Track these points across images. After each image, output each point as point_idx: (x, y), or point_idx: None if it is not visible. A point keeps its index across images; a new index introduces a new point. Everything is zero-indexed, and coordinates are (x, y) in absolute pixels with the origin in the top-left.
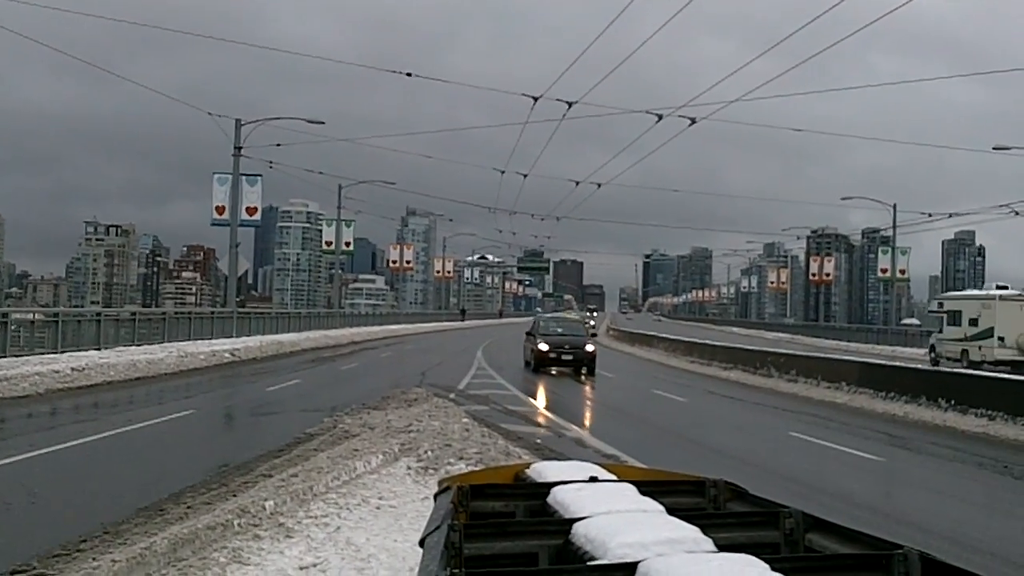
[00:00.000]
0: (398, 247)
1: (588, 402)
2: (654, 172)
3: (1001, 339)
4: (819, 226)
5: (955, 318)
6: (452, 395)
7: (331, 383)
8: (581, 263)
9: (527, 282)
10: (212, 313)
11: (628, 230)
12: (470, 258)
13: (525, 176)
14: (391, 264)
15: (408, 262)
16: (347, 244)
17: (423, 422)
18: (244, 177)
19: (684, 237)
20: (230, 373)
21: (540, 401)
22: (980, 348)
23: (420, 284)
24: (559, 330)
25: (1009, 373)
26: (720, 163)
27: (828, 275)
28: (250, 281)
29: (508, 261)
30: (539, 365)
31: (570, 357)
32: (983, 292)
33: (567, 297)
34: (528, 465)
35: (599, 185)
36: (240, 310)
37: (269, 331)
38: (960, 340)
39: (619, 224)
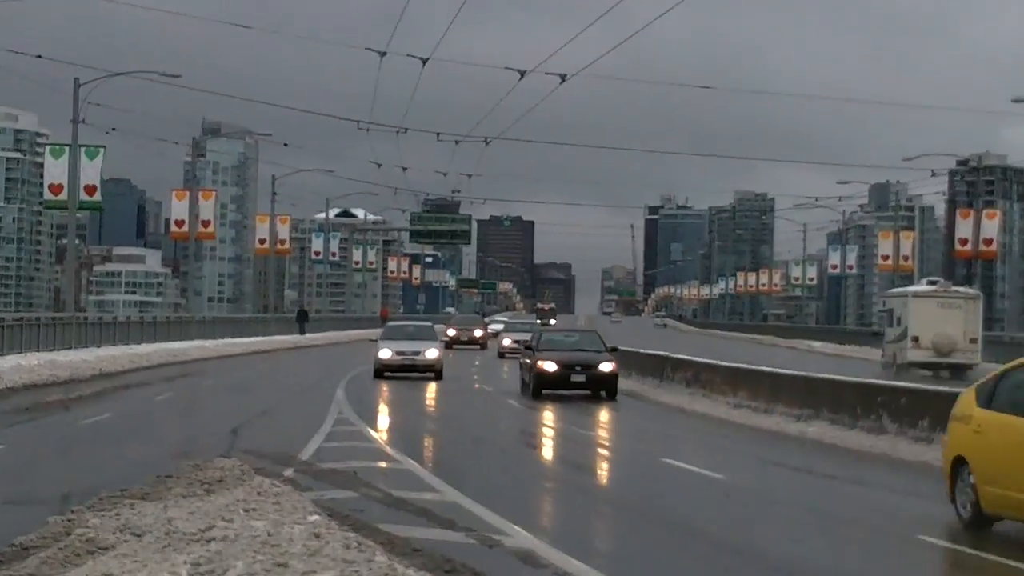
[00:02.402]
0: (186, 196)
1: (549, 481)
2: (659, 57)
3: (915, 339)
4: (968, 155)
5: (891, 317)
6: (289, 471)
7: (63, 451)
8: (531, 224)
9: (429, 259)
10: None
11: (618, 163)
12: (322, 215)
13: (424, 62)
14: (174, 227)
15: (206, 223)
16: (90, 190)
17: (235, 523)
18: None
19: (720, 174)
20: None
21: (454, 481)
22: (900, 350)
23: (229, 264)
24: None
25: (928, 378)
26: (774, 39)
27: (988, 241)
28: None
29: (395, 221)
30: None
31: None
32: (904, 288)
33: (504, 287)
34: None
35: (563, 78)
36: None
37: None
38: (892, 342)
39: (599, 152)
